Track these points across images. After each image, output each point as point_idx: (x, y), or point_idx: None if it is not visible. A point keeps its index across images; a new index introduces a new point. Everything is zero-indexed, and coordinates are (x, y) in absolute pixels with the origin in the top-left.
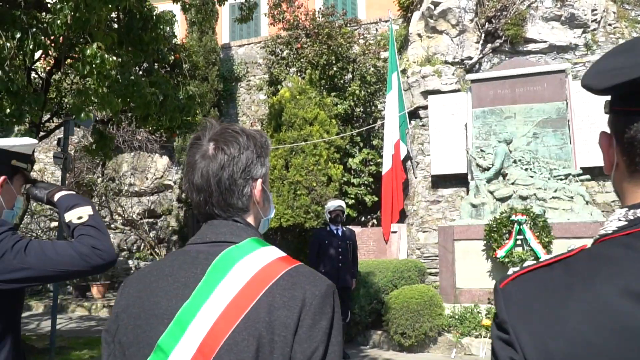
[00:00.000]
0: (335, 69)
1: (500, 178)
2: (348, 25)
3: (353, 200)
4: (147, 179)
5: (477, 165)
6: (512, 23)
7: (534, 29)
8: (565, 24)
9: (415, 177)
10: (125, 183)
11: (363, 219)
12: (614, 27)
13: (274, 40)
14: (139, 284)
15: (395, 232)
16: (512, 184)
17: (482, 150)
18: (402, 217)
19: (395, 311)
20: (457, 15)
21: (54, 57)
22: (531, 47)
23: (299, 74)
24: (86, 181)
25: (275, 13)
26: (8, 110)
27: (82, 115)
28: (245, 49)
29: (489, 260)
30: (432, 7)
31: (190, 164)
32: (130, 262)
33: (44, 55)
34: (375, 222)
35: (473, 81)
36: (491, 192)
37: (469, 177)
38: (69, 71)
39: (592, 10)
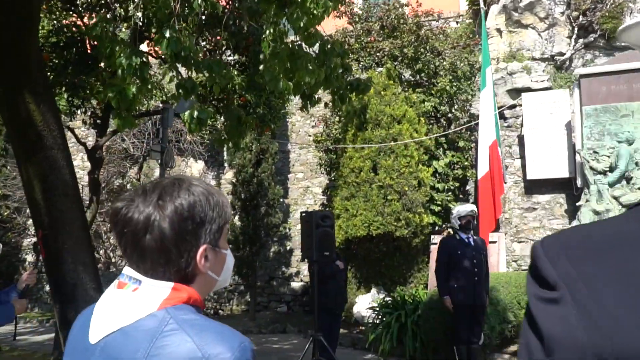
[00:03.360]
0: (421, 62)
1: (624, 182)
2: (422, 17)
3: (439, 207)
4: None
5: (591, 168)
6: (609, 16)
7: None
8: None
9: (506, 183)
10: None
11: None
12: None
13: (342, 34)
14: None
15: (494, 242)
16: (639, 189)
17: (595, 152)
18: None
19: None
20: (546, 8)
21: None
22: None
23: (374, 69)
24: (116, 186)
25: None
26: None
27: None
28: None
29: None
30: None
31: None
32: None
33: None
34: None
35: (582, 76)
36: (616, 198)
37: (579, 181)
38: None
39: None
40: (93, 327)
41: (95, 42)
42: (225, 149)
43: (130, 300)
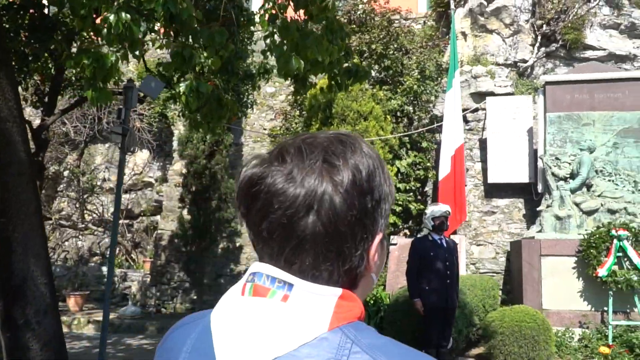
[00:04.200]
0: (389, 59)
1: (585, 189)
2: (391, 14)
3: (400, 208)
4: (124, 174)
5: (553, 174)
6: (571, 27)
7: (592, 36)
8: (624, 32)
9: (465, 185)
10: (99, 178)
11: (408, 229)
12: None
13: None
14: None
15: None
16: (599, 196)
17: (557, 158)
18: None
19: (504, 337)
20: (512, 15)
21: None
22: (588, 54)
23: None
24: (51, 173)
25: None
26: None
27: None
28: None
29: (581, 279)
30: (485, 3)
31: None
32: (103, 268)
33: None
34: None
35: (548, 83)
36: (577, 204)
37: (539, 187)
38: None
39: None
40: (224, 356)
41: (56, 5)
42: (175, 138)
43: (282, 315)
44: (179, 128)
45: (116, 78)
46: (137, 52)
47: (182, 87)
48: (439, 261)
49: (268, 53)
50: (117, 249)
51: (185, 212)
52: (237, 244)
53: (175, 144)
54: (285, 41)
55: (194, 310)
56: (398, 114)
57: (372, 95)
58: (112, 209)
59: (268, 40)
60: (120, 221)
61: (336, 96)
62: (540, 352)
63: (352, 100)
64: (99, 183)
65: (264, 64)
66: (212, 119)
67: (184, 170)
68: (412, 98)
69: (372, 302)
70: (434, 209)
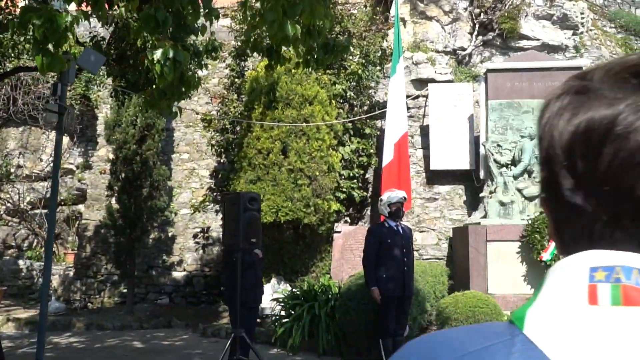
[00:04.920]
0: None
1: (526, 176)
2: None
3: (344, 195)
4: (41, 160)
5: (495, 161)
6: (507, 16)
7: (527, 26)
8: (557, 23)
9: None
10: (12, 164)
11: (349, 216)
12: (595, 33)
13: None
14: None
15: None
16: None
17: (498, 145)
18: None
19: (458, 322)
20: (451, 2)
21: None
22: (523, 43)
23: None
24: None
25: None
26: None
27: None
28: None
29: (525, 263)
30: None
31: None
32: (20, 262)
33: None
34: (366, 220)
35: (489, 71)
36: (519, 190)
37: (481, 173)
38: None
39: (581, 13)
40: None
41: None
42: (101, 122)
43: None
44: (104, 111)
45: (70, 44)
46: (100, 13)
47: (156, 54)
48: (396, 248)
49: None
50: (35, 240)
51: (113, 200)
52: (170, 234)
53: (100, 128)
54: (276, 5)
55: (125, 304)
56: (341, 99)
57: (316, 79)
58: (28, 198)
59: (258, 4)
60: (37, 211)
61: (280, 79)
62: None
63: (297, 84)
64: (12, 170)
65: (212, 41)
66: (173, 95)
67: (112, 156)
68: (354, 83)
69: (321, 291)
70: (390, 195)
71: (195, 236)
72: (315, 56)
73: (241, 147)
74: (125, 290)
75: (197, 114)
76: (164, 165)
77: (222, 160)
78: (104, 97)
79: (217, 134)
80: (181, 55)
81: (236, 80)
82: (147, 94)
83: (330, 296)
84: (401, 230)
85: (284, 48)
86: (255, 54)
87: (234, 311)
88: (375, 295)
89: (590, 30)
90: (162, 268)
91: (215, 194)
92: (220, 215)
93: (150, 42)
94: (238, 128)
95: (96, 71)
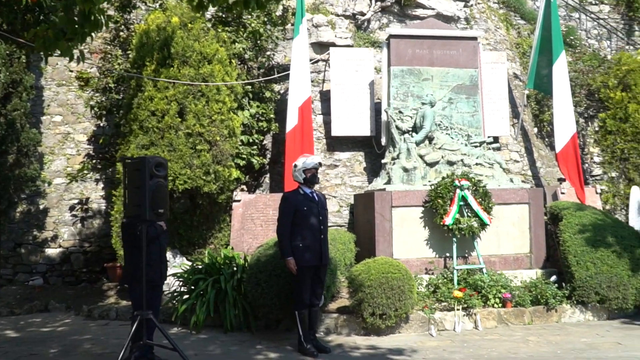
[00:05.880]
0: None
1: (427, 142)
2: None
3: (244, 162)
4: None
5: (397, 127)
6: None
7: None
8: None
9: None
10: None
11: (245, 184)
12: (482, 7)
13: None
14: None
15: None
16: (440, 148)
17: (400, 112)
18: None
19: (371, 289)
20: None
21: None
22: (419, 12)
23: None
24: None
25: None
26: None
27: None
28: None
29: (427, 227)
30: None
31: None
32: None
33: None
34: (264, 188)
35: (392, 37)
36: (421, 156)
37: (383, 140)
38: None
39: None
40: None
41: None
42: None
43: None
44: None
45: None
46: None
47: None
48: (312, 216)
49: None
50: None
51: None
52: (42, 207)
53: None
54: None
55: None
56: (239, 61)
57: (215, 36)
58: None
59: None
60: None
61: (175, 34)
62: (406, 302)
63: (194, 40)
64: None
65: None
66: (76, 34)
67: None
68: (254, 43)
69: (225, 263)
70: (305, 161)
71: (72, 208)
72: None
73: (130, 109)
74: None
75: (72, 71)
76: (34, 129)
77: (102, 124)
78: None
79: (98, 94)
80: None
81: (121, 34)
82: (40, 33)
83: (235, 269)
84: (317, 197)
85: None
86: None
87: (137, 290)
88: (291, 265)
89: (479, 3)
90: (33, 245)
91: (95, 161)
92: (101, 185)
93: None
94: (125, 87)
95: None
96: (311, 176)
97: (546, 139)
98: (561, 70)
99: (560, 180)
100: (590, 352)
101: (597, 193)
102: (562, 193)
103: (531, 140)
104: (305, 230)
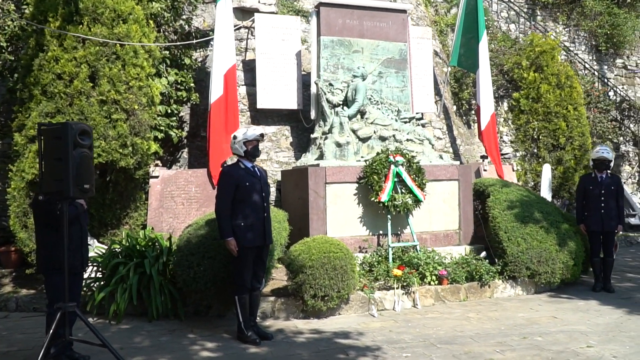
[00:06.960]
0: None
1: (359, 116)
2: None
3: (162, 135)
4: None
5: (327, 100)
6: None
7: None
8: None
9: None
10: None
11: (160, 159)
12: None
13: None
14: None
15: None
16: (372, 123)
17: (330, 84)
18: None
19: (314, 270)
20: None
21: None
22: None
23: None
24: None
25: None
26: None
27: None
28: None
29: (361, 205)
30: None
31: None
32: None
33: None
34: (182, 164)
35: (322, 4)
36: (354, 131)
37: (312, 113)
38: None
39: None
40: None
41: None
42: None
43: None
44: None
45: None
46: None
47: None
48: (255, 193)
49: None
50: None
51: None
52: None
53: None
54: None
55: None
56: (155, 24)
57: None
58: None
59: None
60: None
61: None
62: (348, 282)
63: None
64: None
65: None
66: None
67: None
68: (171, 3)
69: (147, 245)
70: (246, 132)
71: None
72: None
73: (30, 71)
74: None
75: None
76: None
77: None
78: None
79: None
80: None
81: None
82: None
83: (159, 251)
84: (258, 172)
85: None
86: None
87: (56, 279)
88: (232, 246)
89: None
90: None
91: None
92: None
93: None
94: (22, 46)
95: None
96: (252, 149)
97: (464, 117)
98: (484, 49)
99: (483, 157)
100: (532, 327)
101: (513, 170)
102: (485, 170)
103: (451, 118)
104: (247, 208)
